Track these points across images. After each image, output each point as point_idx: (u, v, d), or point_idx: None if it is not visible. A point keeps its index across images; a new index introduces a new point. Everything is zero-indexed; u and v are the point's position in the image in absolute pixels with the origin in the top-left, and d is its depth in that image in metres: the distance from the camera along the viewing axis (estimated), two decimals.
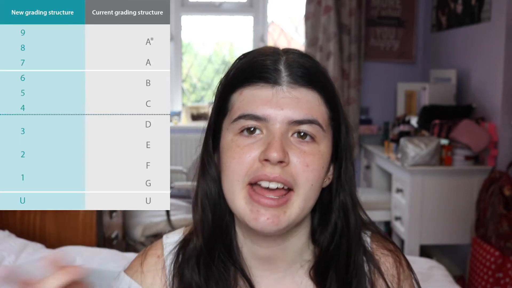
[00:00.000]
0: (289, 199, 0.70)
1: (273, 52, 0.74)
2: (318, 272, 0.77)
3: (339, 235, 0.77)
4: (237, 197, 0.71)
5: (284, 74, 0.71)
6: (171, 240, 0.83)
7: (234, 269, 0.76)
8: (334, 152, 0.76)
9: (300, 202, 0.70)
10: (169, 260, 0.80)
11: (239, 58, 0.77)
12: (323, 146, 0.72)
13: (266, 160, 0.68)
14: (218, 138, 0.75)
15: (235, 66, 0.76)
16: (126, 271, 0.83)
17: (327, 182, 0.76)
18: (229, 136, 0.72)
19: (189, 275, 0.77)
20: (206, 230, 0.77)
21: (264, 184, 0.69)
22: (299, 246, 0.78)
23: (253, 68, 0.72)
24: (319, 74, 0.74)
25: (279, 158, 0.68)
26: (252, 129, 0.70)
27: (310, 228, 0.79)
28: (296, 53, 0.75)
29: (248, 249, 0.77)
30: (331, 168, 0.77)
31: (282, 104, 0.70)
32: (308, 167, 0.70)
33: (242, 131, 0.71)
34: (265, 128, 0.70)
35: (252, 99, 0.71)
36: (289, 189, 0.70)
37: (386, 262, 0.80)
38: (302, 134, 0.71)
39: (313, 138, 0.71)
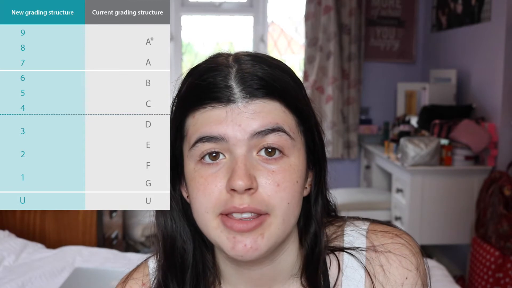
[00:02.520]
0: (264, 220, 0.64)
1: (222, 65, 0.68)
2: (310, 280, 0.72)
3: (320, 243, 0.72)
4: (210, 227, 0.66)
5: (236, 90, 0.65)
6: (155, 264, 0.77)
7: None
8: (309, 159, 0.70)
9: (279, 223, 0.65)
10: None
11: (189, 74, 0.71)
12: (294, 158, 0.66)
13: (233, 190, 0.63)
14: (182, 165, 0.70)
15: (185, 83, 0.70)
16: None
17: (307, 190, 0.71)
18: (191, 165, 0.67)
19: None
20: (161, 266, 0.73)
21: (236, 215, 0.64)
22: (290, 262, 0.72)
23: (203, 88, 0.66)
24: (278, 81, 0.66)
25: (246, 186, 0.62)
26: (214, 154, 0.65)
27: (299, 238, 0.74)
28: (249, 61, 0.67)
29: (236, 274, 0.72)
30: (309, 176, 0.71)
31: (239, 120, 0.64)
32: (279, 187, 0.64)
33: (203, 157, 0.66)
34: (227, 151, 0.65)
35: (205, 120, 0.65)
36: (264, 214, 0.65)
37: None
38: (269, 150, 0.65)
39: (281, 151, 0.65)
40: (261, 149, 0.65)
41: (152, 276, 0.76)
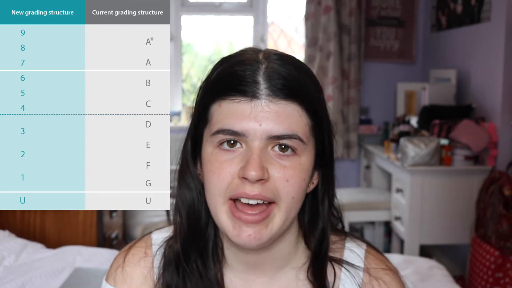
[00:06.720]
0: (270, 213, 0.69)
1: (252, 61, 0.71)
2: (316, 275, 0.77)
3: (327, 239, 0.78)
4: (219, 211, 0.70)
5: (263, 87, 0.69)
6: (160, 236, 0.81)
7: (215, 274, 0.76)
8: (318, 159, 0.74)
9: (282, 215, 0.70)
10: (157, 259, 0.79)
11: (220, 62, 0.74)
12: (304, 158, 0.71)
13: (245, 178, 0.67)
14: (200, 145, 0.74)
15: (215, 71, 0.73)
16: (107, 278, 0.81)
17: (311, 187, 0.76)
18: (209, 149, 0.71)
19: (170, 277, 0.76)
20: (182, 236, 0.76)
21: (244, 200, 0.69)
22: (287, 251, 0.78)
23: (232, 80, 0.70)
24: (300, 84, 0.71)
25: (258, 177, 0.67)
26: (232, 142, 0.69)
27: (302, 232, 0.79)
28: (277, 61, 0.71)
29: (234, 255, 0.77)
30: (316, 174, 0.76)
31: (261, 119, 0.68)
32: (288, 182, 0.69)
33: (221, 143, 0.70)
34: (244, 142, 0.69)
35: (230, 113, 0.69)
36: (270, 202, 0.70)
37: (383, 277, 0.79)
38: (283, 147, 0.70)
39: (294, 151, 0.70)
40: (276, 145, 0.70)
41: (155, 246, 0.80)
